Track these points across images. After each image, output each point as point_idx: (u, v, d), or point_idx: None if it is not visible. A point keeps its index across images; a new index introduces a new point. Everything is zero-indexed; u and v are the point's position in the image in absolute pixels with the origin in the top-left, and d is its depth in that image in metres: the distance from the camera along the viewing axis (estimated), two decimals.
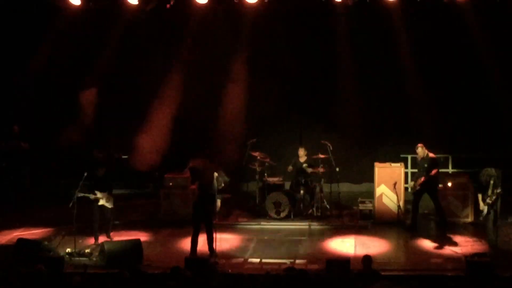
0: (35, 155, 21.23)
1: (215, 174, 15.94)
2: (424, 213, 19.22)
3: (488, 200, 16.05)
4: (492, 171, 16.15)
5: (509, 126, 20.66)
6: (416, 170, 18.41)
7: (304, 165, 19.13)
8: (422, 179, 17.53)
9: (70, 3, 19.80)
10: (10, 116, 21.30)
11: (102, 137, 21.44)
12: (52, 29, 20.99)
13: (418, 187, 17.69)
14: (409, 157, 20.60)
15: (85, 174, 16.49)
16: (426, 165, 17.53)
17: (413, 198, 17.93)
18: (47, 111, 21.60)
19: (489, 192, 16.05)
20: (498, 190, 15.99)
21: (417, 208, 17.89)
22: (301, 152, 19.22)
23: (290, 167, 19.33)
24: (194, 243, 15.95)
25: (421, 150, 17.66)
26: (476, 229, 17.25)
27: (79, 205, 16.21)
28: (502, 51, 20.31)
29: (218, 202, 16.19)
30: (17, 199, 20.66)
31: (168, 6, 20.08)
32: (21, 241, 15.98)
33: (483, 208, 16.09)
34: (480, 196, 16.27)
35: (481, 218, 16.44)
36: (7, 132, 20.95)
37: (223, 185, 16.28)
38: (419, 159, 17.80)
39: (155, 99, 21.47)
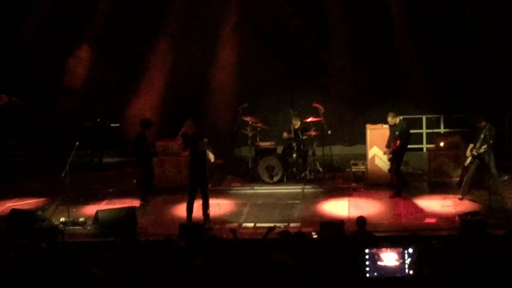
0: (26, 118, 21.05)
1: (205, 140, 15.90)
2: (417, 173, 19.30)
3: (474, 152, 16.50)
4: (485, 125, 16.41)
5: (499, 86, 20.66)
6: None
7: (298, 131, 19.06)
8: (393, 145, 17.47)
9: None
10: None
11: (92, 106, 21.28)
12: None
13: (390, 155, 17.66)
14: (401, 118, 20.59)
15: (77, 143, 16.45)
16: (397, 132, 17.46)
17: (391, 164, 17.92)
18: (37, 80, 21.44)
19: (478, 144, 16.45)
20: (484, 147, 16.27)
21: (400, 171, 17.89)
22: (295, 121, 19.13)
23: (285, 134, 19.27)
24: (190, 209, 16.00)
25: (391, 119, 17.57)
26: (470, 188, 17.22)
27: (72, 175, 16.19)
28: (492, 14, 20.31)
29: (211, 155, 16.09)
30: (9, 170, 20.59)
31: None
32: (14, 211, 16.00)
33: (469, 155, 16.59)
34: (470, 146, 16.69)
35: (465, 164, 16.83)
36: None
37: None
38: (391, 126, 17.69)
39: (146, 66, 21.45)
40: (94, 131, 20.43)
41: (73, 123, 20.81)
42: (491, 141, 16.26)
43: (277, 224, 14.64)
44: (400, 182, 17.69)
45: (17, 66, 21.27)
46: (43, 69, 21.33)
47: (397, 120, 17.47)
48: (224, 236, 14.02)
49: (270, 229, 12.50)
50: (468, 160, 16.74)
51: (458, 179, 17.79)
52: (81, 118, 20.91)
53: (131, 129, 20.76)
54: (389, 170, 17.85)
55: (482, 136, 16.39)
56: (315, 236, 13.16)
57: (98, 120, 20.83)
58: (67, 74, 21.37)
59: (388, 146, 17.67)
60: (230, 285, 9.61)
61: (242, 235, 14.02)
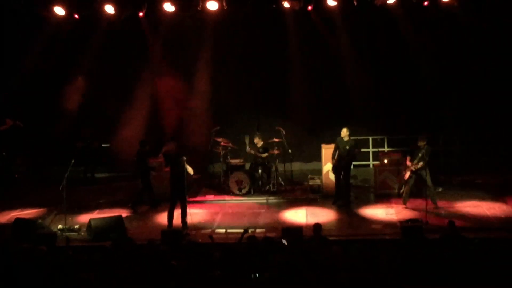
0: (28, 139, 20.85)
1: (184, 158, 15.84)
2: (365, 186, 19.35)
3: (412, 167, 16.64)
4: (425, 146, 16.58)
5: (432, 110, 20.88)
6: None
7: (261, 149, 19.08)
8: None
9: (55, 13, 19.69)
10: (3, 111, 20.91)
11: (83, 129, 21.12)
12: (41, 34, 20.71)
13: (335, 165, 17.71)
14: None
15: (72, 161, 16.34)
16: (347, 147, 17.48)
17: (336, 175, 17.87)
18: (37, 106, 21.30)
19: (415, 161, 16.59)
20: (420, 164, 16.47)
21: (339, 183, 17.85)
22: (256, 139, 19.17)
23: (248, 149, 19.27)
24: (171, 217, 15.90)
25: (346, 132, 17.57)
26: (410, 198, 17.26)
27: (68, 188, 16.07)
28: (430, 46, 20.48)
29: (189, 168, 15.97)
30: (14, 184, 20.38)
31: (141, 14, 19.97)
32: (18, 220, 15.86)
33: (408, 171, 16.75)
34: (408, 159, 16.91)
35: (405, 178, 16.94)
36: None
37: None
38: (343, 139, 17.67)
39: (133, 95, 21.35)
40: (85, 151, 20.24)
41: (67, 144, 20.61)
42: (427, 159, 16.41)
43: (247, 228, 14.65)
44: (348, 193, 17.75)
45: (19, 93, 21.09)
46: (42, 95, 21.17)
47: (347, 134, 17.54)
48: (200, 240, 14.00)
49: (245, 231, 12.70)
50: (407, 175, 16.83)
51: (399, 191, 17.85)
52: (73, 140, 20.71)
53: (120, 148, 20.76)
54: (338, 182, 17.83)
55: (420, 154, 16.50)
56: (284, 242, 13.07)
57: (88, 141, 20.63)
58: (63, 100, 21.18)
59: (333, 156, 17.68)
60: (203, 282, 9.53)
61: (216, 239, 13.91)
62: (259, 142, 19.13)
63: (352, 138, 17.63)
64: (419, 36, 20.36)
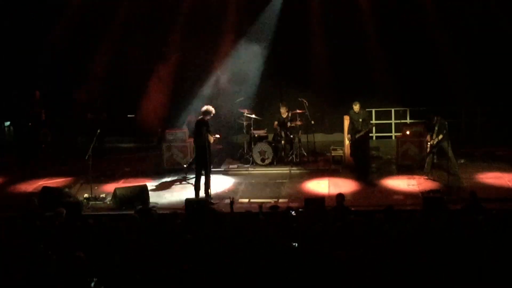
0: (53, 120, 21.01)
1: (204, 127, 15.81)
2: (387, 158, 19.26)
3: (432, 142, 16.68)
4: (437, 120, 16.63)
5: (454, 82, 20.70)
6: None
7: (286, 120, 19.02)
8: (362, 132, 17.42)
9: None
10: (32, 82, 21.05)
11: (94, 100, 21.20)
12: (63, 14, 21.04)
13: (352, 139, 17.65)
14: (373, 110, 20.61)
15: (98, 131, 16.42)
16: (361, 119, 17.42)
17: (352, 149, 17.85)
18: (64, 77, 21.41)
19: (434, 135, 16.65)
20: (440, 137, 16.46)
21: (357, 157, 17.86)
22: (283, 110, 19.08)
23: (275, 124, 19.21)
24: (197, 187, 15.92)
25: (358, 107, 17.52)
26: (432, 169, 17.18)
27: (93, 158, 16.15)
28: (449, 21, 20.32)
29: (210, 137, 15.95)
30: (42, 154, 20.52)
31: None
32: (45, 188, 15.95)
33: (428, 144, 16.78)
34: (428, 136, 16.85)
35: (427, 150, 16.92)
36: (30, 97, 20.69)
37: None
38: (355, 112, 17.62)
39: (157, 66, 21.35)
40: (94, 122, 20.14)
41: (80, 115, 20.77)
42: (445, 131, 16.41)
43: (268, 200, 14.66)
44: (370, 164, 17.69)
45: (45, 69, 21.31)
46: (68, 66, 21.32)
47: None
48: (223, 210, 14.03)
49: (261, 206, 12.77)
50: (429, 147, 16.75)
51: (421, 162, 17.75)
52: (84, 111, 20.81)
53: (145, 119, 20.87)
54: (354, 154, 17.80)
55: (436, 128, 16.57)
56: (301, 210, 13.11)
57: (97, 112, 20.60)
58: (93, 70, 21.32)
59: (349, 132, 17.64)
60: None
61: (239, 209, 13.93)
62: (284, 113, 19.04)
63: (365, 109, 17.62)
64: (442, 6, 20.19)
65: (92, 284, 8.53)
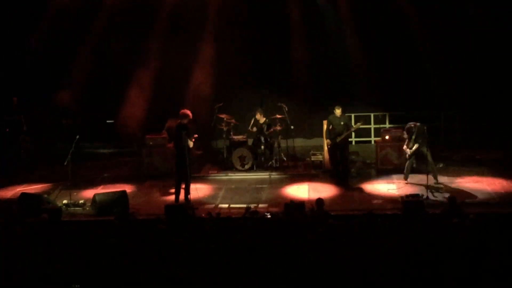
0: (32, 127, 20.82)
1: (184, 132, 15.78)
2: (367, 162, 19.29)
3: (408, 151, 16.82)
4: (413, 127, 16.69)
5: (433, 87, 20.81)
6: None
7: (264, 125, 19.03)
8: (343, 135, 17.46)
9: None
10: (9, 88, 20.84)
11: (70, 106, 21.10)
12: (46, 11, 20.90)
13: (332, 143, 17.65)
14: (352, 115, 20.64)
15: (77, 137, 16.33)
16: (342, 123, 17.48)
17: (331, 154, 17.85)
18: (42, 82, 21.21)
19: (410, 144, 16.74)
20: (415, 146, 16.56)
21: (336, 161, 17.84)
22: (258, 115, 19.11)
23: (254, 128, 19.21)
24: (177, 192, 15.91)
25: (339, 111, 17.57)
26: (411, 174, 17.25)
27: (73, 164, 16.06)
28: (428, 26, 20.44)
29: (190, 143, 15.92)
30: (19, 160, 20.34)
31: None
32: (24, 194, 15.81)
33: (406, 151, 16.88)
34: (405, 145, 16.94)
35: (407, 156, 16.94)
36: (7, 103, 20.49)
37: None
38: (336, 116, 17.63)
39: (137, 71, 21.25)
40: (70, 127, 20.02)
41: (56, 121, 20.69)
42: (422, 139, 16.50)
43: (248, 205, 14.60)
44: (347, 167, 17.73)
45: (25, 70, 21.07)
46: (46, 71, 21.13)
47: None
48: (203, 215, 13.97)
49: (248, 208, 12.69)
50: (408, 152, 16.82)
51: (401, 167, 17.79)
52: (60, 118, 20.69)
53: (124, 125, 20.77)
54: (332, 158, 17.83)
55: (413, 137, 16.62)
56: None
57: (72, 118, 20.51)
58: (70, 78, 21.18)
59: (328, 137, 17.66)
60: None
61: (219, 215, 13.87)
62: (261, 119, 19.07)
63: (345, 114, 17.77)
64: (421, 11, 20.29)
65: None
